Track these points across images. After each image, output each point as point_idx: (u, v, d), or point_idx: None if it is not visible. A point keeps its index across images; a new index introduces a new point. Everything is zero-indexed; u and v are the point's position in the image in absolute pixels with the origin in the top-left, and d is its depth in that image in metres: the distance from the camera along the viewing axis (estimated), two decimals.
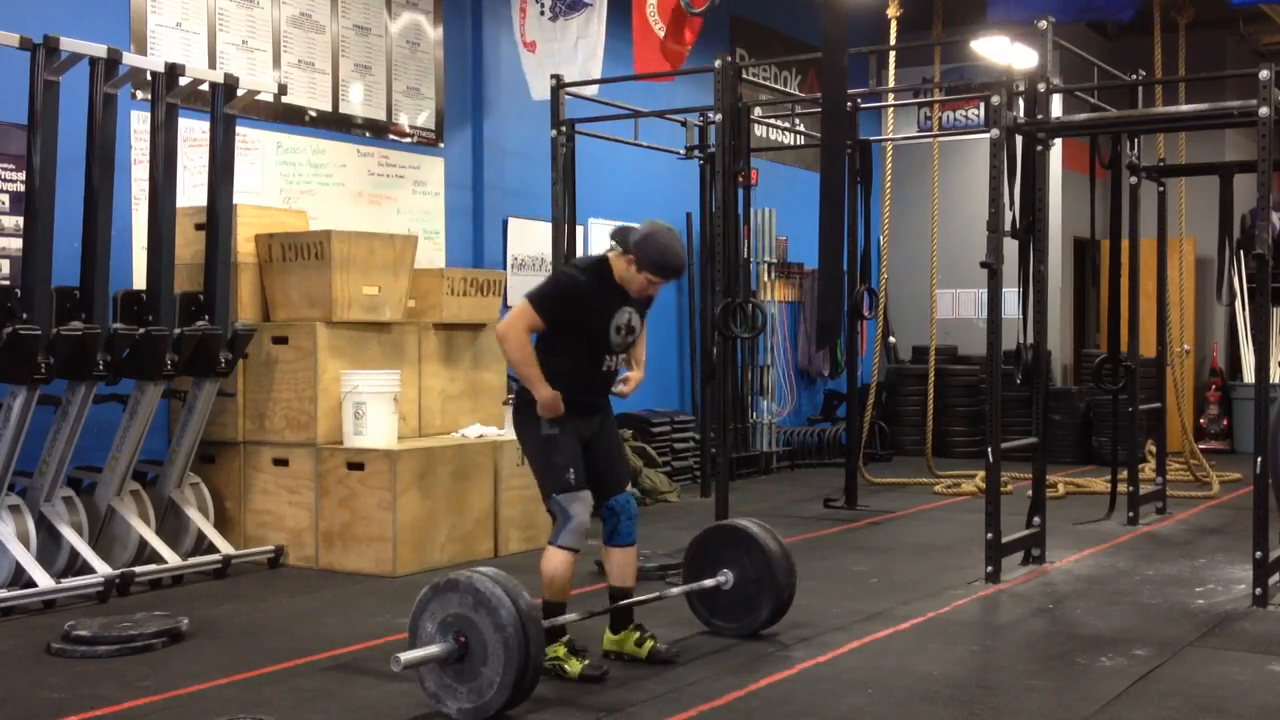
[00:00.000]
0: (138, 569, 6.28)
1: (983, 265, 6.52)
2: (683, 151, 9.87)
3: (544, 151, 8.62)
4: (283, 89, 7.55)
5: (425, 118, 9.15)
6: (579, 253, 9.66)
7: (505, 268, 9.62)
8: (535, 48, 8.89)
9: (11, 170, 6.69)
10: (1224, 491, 9.91)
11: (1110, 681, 4.65)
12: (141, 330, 6.30)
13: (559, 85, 8.26)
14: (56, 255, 6.00)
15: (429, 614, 4.24)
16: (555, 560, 4.70)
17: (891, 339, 13.33)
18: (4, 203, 6.71)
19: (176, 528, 6.81)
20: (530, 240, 9.79)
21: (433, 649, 4.16)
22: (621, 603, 4.97)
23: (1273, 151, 6.05)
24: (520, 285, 9.65)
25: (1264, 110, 6.05)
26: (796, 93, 12.49)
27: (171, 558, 6.47)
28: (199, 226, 6.91)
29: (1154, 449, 9.36)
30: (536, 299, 4.74)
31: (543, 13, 8.84)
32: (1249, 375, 12.86)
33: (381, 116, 8.83)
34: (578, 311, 4.75)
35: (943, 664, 4.92)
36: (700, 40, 9.13)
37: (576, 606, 4.99)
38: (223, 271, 6.73)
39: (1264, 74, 6.09)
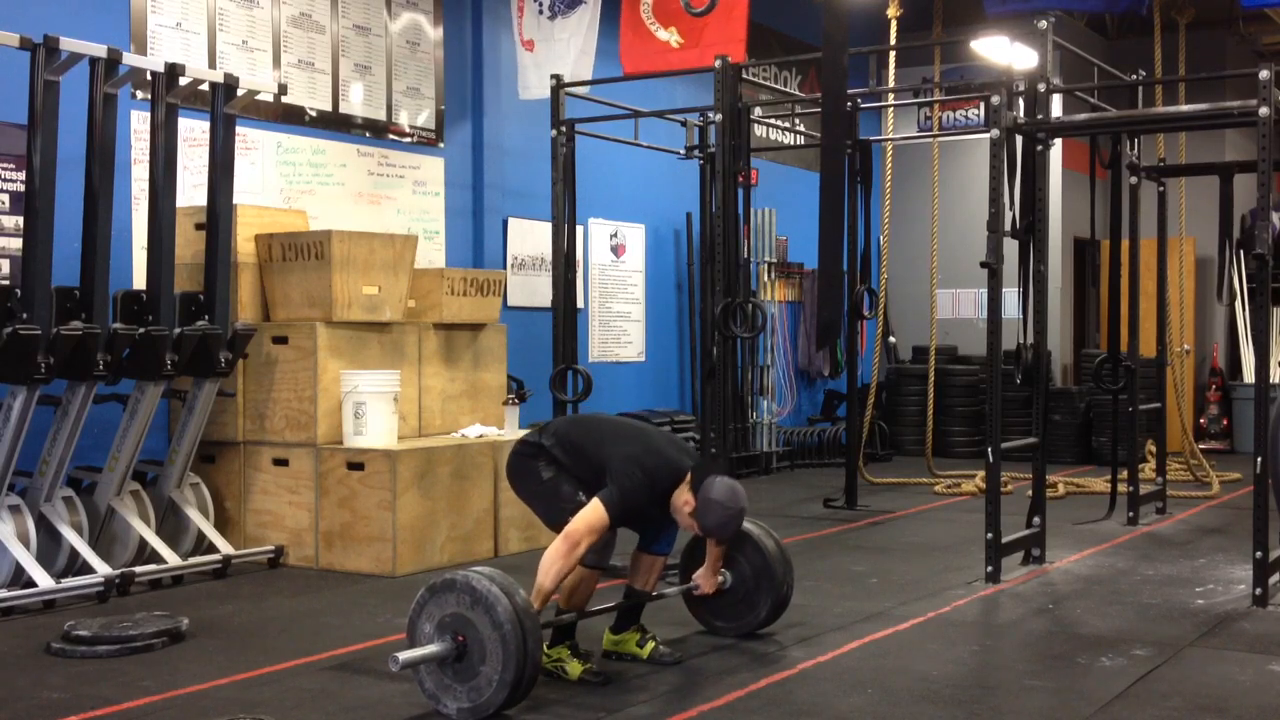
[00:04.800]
0: (138, 569, 6.28)
1: (983, 265, 6.52)
2: (683, 151, 9.88)
3: (544, 151, 8.62)
4: (283, 89, 7.55)
5: (425, 117, 9.15)
6: (579, 252, 9.67)
7: (505, 267, 9.62)
8: (533, 46, 8.88)
9: (11, 170, 6.69)
10: (1224, 491, 9.91)
11: (1110, 681, 4.65)
12: (141, 330, 6.30)
13: (559, 85, 8.26)
14: (56, 255, 6.00)
15: (426, 614, 4.24)
16: (578, 575, 4.66)
17: (891, 339, 13.33)
18: (4, 203, 6.71)
19: (176, 528, 6.81)
20: (530, 240, 9.79)
21: (431, 648, 4.16)
22: (622, 604, 4.97)
23: (1273, 151, 6.05)
24: (520, 285, 9.69)
25: (1264, 110, 6.04)
26: (796, 93, 12.49)
27: (171, 558, 6.47)
28: (199, 226, 6.91)
29: (1154, 449, 9.36)
30: (615, 507, 4.51)
31: (541, 11, 8.84)
32: (1249, 375, 12.85)
33: (381, 116, 8.83)
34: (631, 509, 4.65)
35: (943, 664, 4.92)
36: None
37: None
38: (223, 271, 6.73)
39: (1264, 74, 6.09)
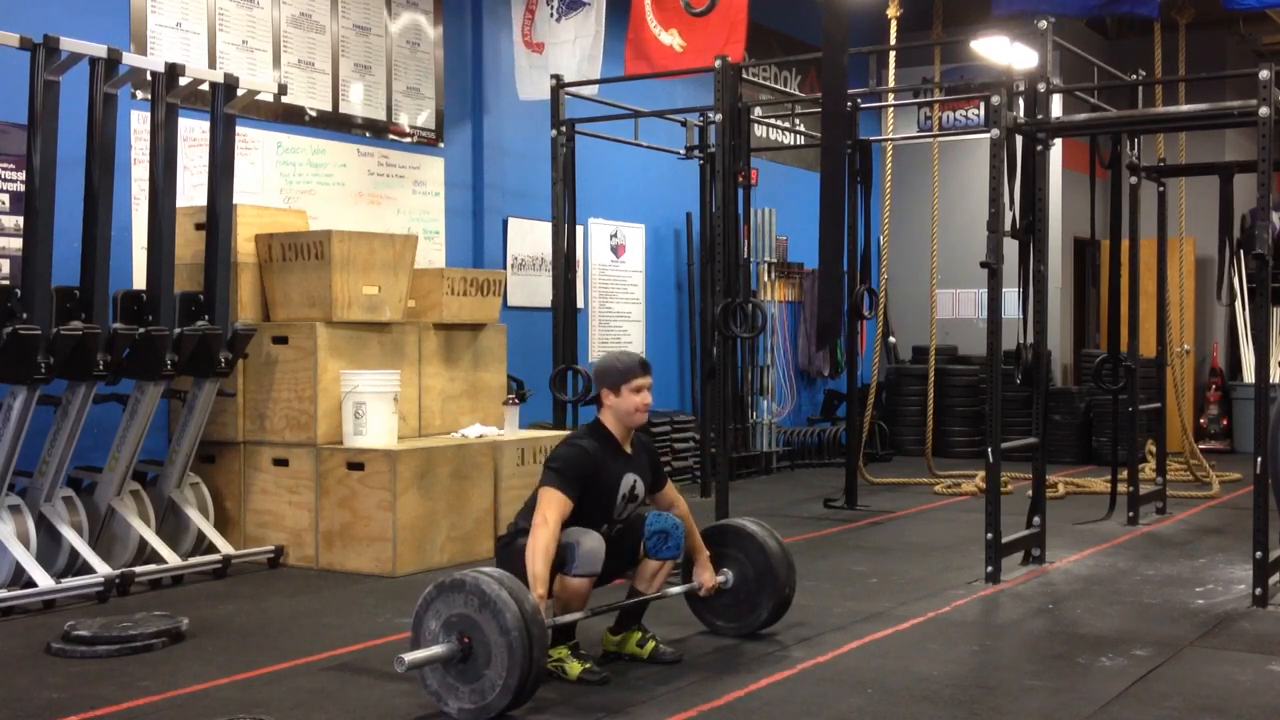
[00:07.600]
0: (138, 569, 6.28)
1: (983, 265, 6.52)
2: (683, 151, 9.89)
3: (544, 151, 8.63)
4: (283, 89, 7.55)
5: (425, 118, 9.15)
6: (579, 252, 9.68)
7: (505, 268, 9.62)
8: (543, 49, 8.89)
9: (11, 170, 6.70)
10: (1224, 491, 9.91)
11: (1110, 681, 4.65)
12: (141, 330, 6.30)
13: (559, 85, 8.27)
14: (56, 255, 6.00)
15: (433, 612, 4.24)
16: (573, 586, 4.63)
17: (891, 339, 13.34)
18: (4, 203, 6.71)
19: (176, 528, 6.81)
20: (530, 240, 9.79)
21: (436, 649, 4.16)
22: (625, 602, 4.96)
23: (1273, 151, 6.05)
24: (520, 285, 9.69)
25: (1264, 110, 6.05)
26: (796, 93, 12.49)
27: (171, 558, 6.47)
28: (199, 226, 6.91)
29: (1154, 449, 9.36)
30: (558, 481, 4.60)
31: (552, 14, 8.85)
32: (1249, 375, 12.86)
33: (381, 116, 8.83)
34: (592, 480, 4.70)
35: (943, 664, 4.92)
36: None
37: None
38: (223, 271, 6.73)
39: (1264, 74, 6.09)
